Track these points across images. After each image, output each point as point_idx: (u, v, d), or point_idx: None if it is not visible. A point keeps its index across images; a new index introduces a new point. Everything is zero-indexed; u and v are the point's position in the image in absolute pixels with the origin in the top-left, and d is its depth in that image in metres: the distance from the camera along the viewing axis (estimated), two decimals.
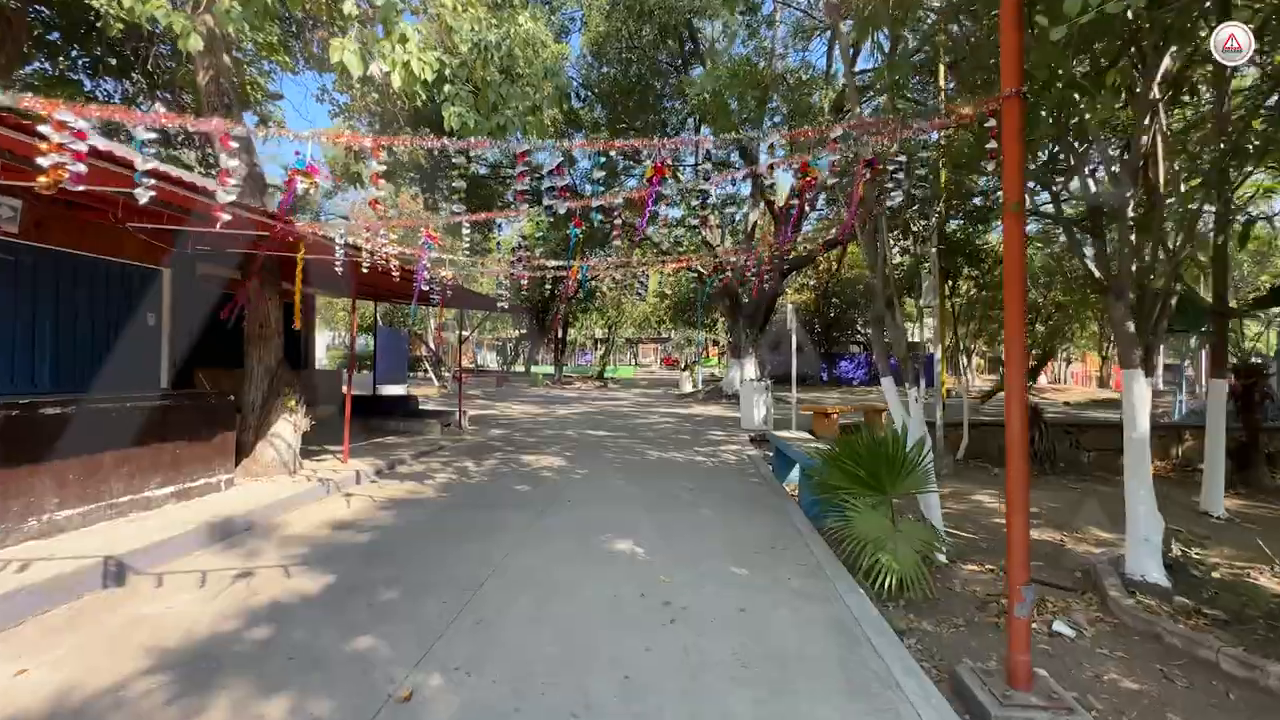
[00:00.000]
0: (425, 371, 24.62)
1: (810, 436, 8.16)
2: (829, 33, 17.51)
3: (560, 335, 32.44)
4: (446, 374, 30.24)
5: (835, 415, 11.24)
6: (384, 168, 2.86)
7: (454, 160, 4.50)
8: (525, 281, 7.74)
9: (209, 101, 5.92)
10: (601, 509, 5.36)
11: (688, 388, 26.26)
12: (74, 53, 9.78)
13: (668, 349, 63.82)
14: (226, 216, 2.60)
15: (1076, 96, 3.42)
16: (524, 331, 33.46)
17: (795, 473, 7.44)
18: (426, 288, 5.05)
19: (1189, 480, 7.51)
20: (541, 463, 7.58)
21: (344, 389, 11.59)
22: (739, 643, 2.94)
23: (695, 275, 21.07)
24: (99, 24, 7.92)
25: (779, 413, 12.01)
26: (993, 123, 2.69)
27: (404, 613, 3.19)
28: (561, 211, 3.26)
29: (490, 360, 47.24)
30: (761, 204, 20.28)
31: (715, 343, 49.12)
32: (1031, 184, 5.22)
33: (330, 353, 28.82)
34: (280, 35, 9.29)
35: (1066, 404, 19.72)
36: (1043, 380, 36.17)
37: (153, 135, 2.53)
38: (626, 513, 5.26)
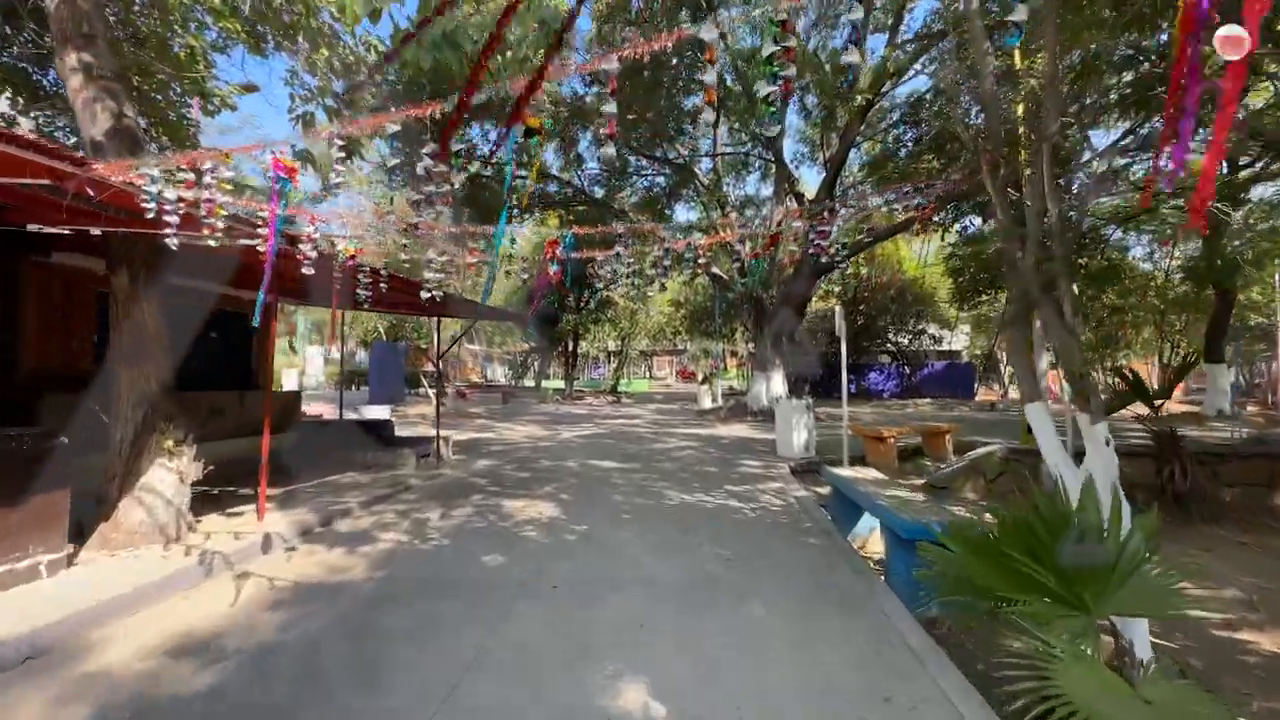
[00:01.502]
0: (423, 389, 22.99)
1: (880, 475, 6.31)
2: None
3: (570, 348, 30.84)
4: (450, 391, 28.75)
5: (891, 440, 9.35)
6: None
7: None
8: (472, 261, 6.00)
9: (62, 31, 4.34)
10: (598, 603, 3.57)
11: (707, 403, 24.38)
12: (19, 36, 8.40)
13: (683, 361, 61.99)
14: None
15: None
16: (533, 345, 31.90)
17: (865, 523, 5.61)
18: (311, 270, 3.36)
19: None
20: (528, 512, 5.81)
21: (298, 413, 9.81)
22: None
23: (713, 280, 19.33)
24: None
25: (818, 433, 10.14)
26: None
27: None
28: None
29: (502, 375, 45.82)
30: (788, 199, 18.51)
31: (733, 353, 47.22)
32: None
33: (329, 369, 27.43)
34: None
35: (1142, 419, 17.44)
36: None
37: None
38: (636, 611, 3.46)
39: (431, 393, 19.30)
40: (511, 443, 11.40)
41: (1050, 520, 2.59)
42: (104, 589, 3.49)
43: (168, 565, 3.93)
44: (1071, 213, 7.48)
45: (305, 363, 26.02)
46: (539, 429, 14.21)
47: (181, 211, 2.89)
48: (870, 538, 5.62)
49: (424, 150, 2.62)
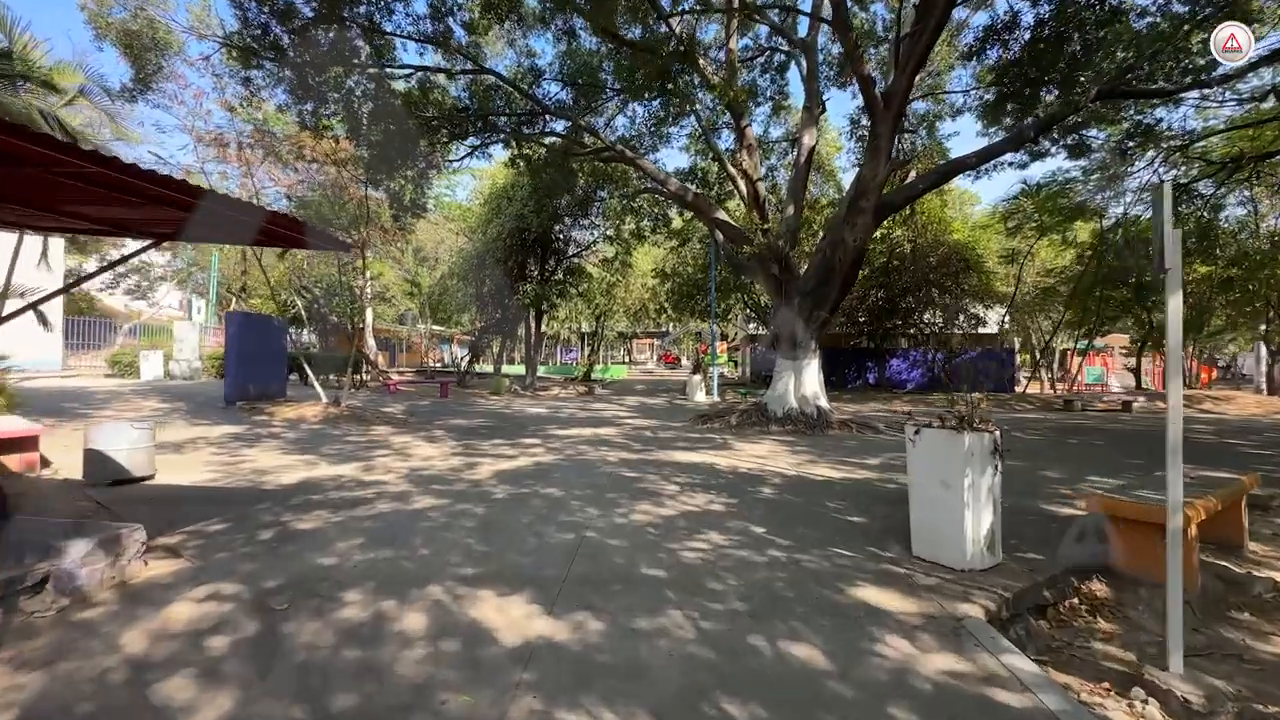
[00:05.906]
0: (307, 379, 17.09)
1: None
2: None
3: (533, 327, 25.31)
4: (370, 381, 23.08)
5: (1194, 526, 4.15)
6: None
7: None
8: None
9: None
10: None
11: (701, 397, 19.15)
12: None
13: (667, 344, 56.67)
14: None
15: None
16: (487, 323, 26.28)
17: None
18: None
19: None
20: None
21: None
22: None
23: (719, 229, 13.96)
24: None
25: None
26: None
27: None
28: None
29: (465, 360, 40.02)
30: (817, 126, 13.13)
31: (725, 337, 42.06)
32: None
33: (210, 352, 21.22)
34: None
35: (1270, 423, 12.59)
36: (1143, 378, 28.78)
37: None
38: None
39: (315, 384, 13.55)
40: (361, 501, 5.97)
41: None
42: None
43: None
44: None
45: (177, 343, 19.81)
46: (449, 455, 8.81)
47: None
48: None
49: None
